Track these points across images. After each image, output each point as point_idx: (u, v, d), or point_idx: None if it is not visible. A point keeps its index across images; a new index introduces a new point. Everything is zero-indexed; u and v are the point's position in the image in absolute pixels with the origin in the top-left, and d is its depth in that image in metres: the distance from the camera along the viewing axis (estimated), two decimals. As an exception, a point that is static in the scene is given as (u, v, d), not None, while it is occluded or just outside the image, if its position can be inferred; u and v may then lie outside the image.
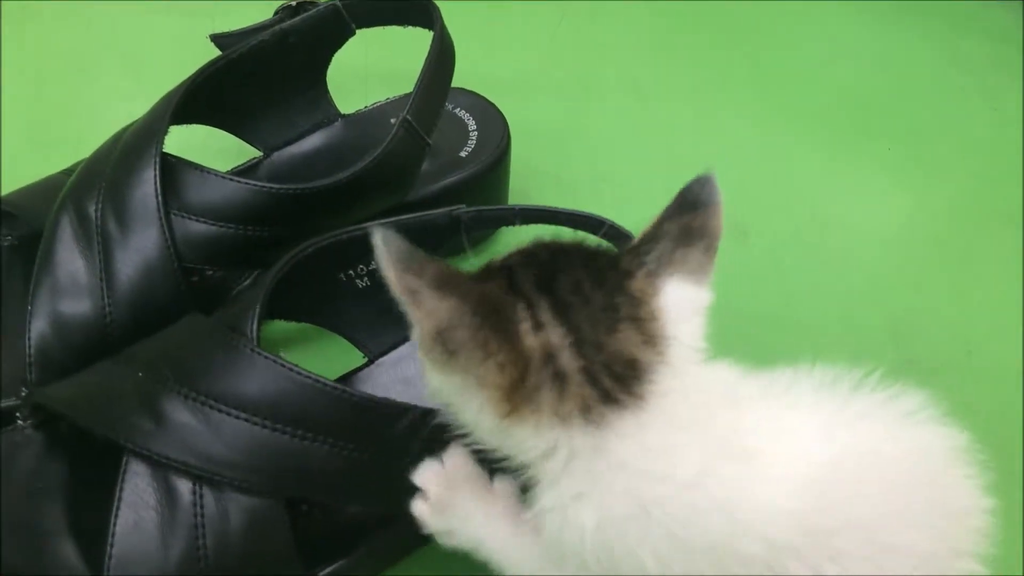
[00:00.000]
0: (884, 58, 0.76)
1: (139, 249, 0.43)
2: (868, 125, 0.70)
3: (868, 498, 0.28)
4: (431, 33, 0.48)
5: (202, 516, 0.34)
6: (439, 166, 0.54)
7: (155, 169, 0.43)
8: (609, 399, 0.27)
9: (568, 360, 0.27)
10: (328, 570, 0.38)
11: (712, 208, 0.31)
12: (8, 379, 0.41)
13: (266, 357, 0.36)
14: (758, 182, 0.64)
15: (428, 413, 0.33)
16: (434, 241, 0.45)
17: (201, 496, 0.35)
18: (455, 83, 0.51)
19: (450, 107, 0.57)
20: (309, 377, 0.35)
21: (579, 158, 0.64)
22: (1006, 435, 0.51)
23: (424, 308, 0.26)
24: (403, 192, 0.49)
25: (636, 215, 0.63)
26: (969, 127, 0.70)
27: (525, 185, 0.61)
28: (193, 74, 0.47)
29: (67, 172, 0.48)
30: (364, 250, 0.44)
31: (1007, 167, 0.66)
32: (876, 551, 0.27)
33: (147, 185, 0.43)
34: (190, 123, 0.50)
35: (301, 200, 0.44)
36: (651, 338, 0.28)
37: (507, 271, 0.29)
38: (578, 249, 0.30)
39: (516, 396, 0.27)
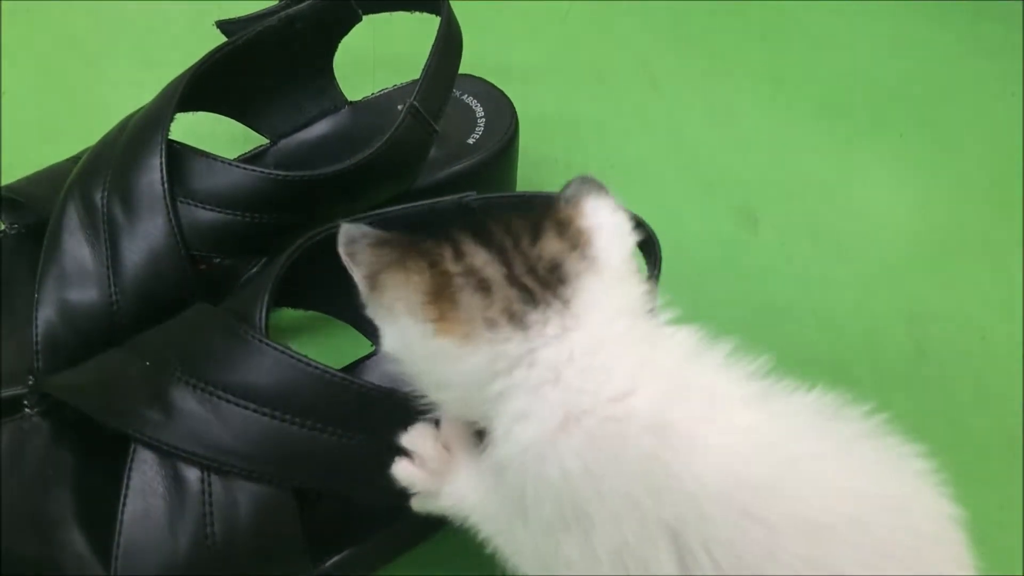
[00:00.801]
0: (899, 44, 0.75)
1: (146, 237, 0.42)
2: (883, 112, 0.69)
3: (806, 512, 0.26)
4: (438, 19, 0.48)
5: (210, 504, 0.34)
6: (447, 153, 0.53)
7: (161, 156, 0.43)
8: (532, 300, 0.28)
9: (493, 271, 0.28)
10: (334, 560, 0.38)
11: (596, 183, 0.33)
12: (16, 367, 0.41)
13: (275, 348, 0.35)
14: (771, 170, 0.64)
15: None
16: (443, 227, 0.45)
17: (209, 484, 0.35)
18: (463, 70, 0.51)
19: (458, 94, 0.57)
20: (318, 368, 0.35)
21: (589, 146, 0.64)
22: (1015, 420, 0.51)
23: (358, 261, 0.30)
24: (411, 179, 0.49)
25: (648, 203, 0.63)
26: (985, 113, 0.69)
27: (534, 173, 0.61)
28: (198, 61, 0.47)
29: (73, 160, 0.48)
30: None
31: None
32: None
33: (153, 172, 0.43)
34: (196, 110, 0.49)
35: (308, 187, 0.44)
36: (576, 245, 0.29)
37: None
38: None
39: (441, 301, 0.28)
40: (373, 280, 0.30)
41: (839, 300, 0.56)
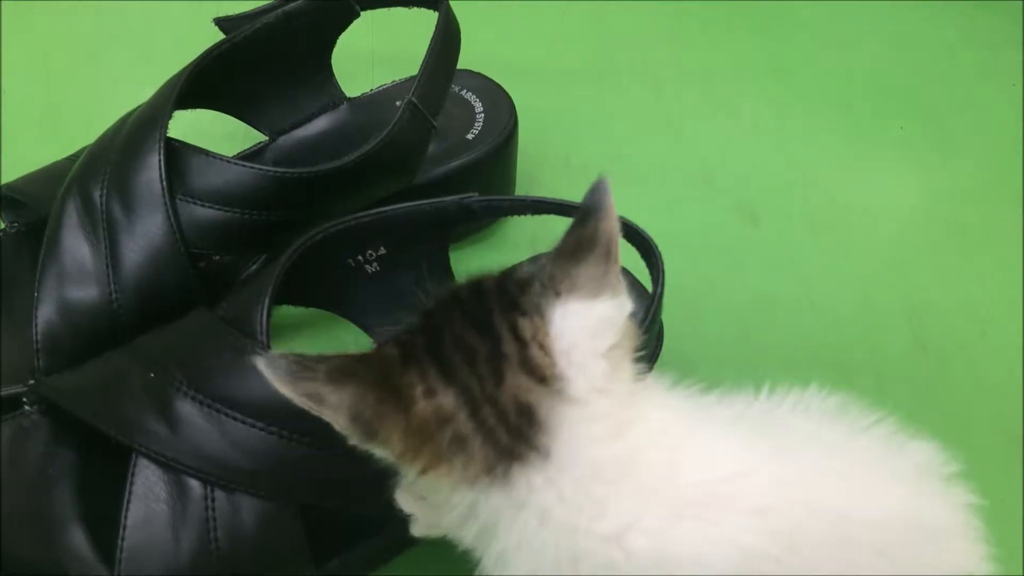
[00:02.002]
0: (900, 37, 0.74)
1: (145, 234, 0.42)
2: (884, 106, 0.69)
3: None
4: (436, 15, 0.48)
5: (213, 510, 0.34)
6: (446, 148, 0.53)
7: (159, 154, 0.43)
8: (510, 455, 0.26)
9: (463, 423, 0.26)
10: (337, 560, 0.38)
11: (600, 213, 0.29)
12: (16, 365, 0.41)
13: None
14: (772, 165, 0.63)
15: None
16: (444, 227, 0.45)
17: (212, 490, 0.34)
18: (462, 65, 0.51)
19: (456, 89, 0.57)
20: None
21: (589, 142, 0.64)
22: (1015, 413, 0.50)
23: (329, 405, 0.26)
24: (410, 175, 0.49)
25: (648, 200, 0.63)
26: (986, 106, 0.69)
27: (534, 168, 0.60)
28: (197, 58, 0.47)
29: (72, 158, 0.48)
30: (372, 235, 0.44)
31: (1024, 146, 0.66)
32: None
33: (152, 170, 0.43)
34: (195, 107, 0.49)
35: (307, 184, 0.44)
36: (545, 377, 0.26)
37: (399, 342, 0.28)
38: (475, 294, 0.29)
39: (424, 454, 0.26)
40: (368, 431, 0.26)
41: (840, 294, 0.56)
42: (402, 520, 0.33)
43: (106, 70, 0.66)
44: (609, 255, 0.29)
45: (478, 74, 0.58)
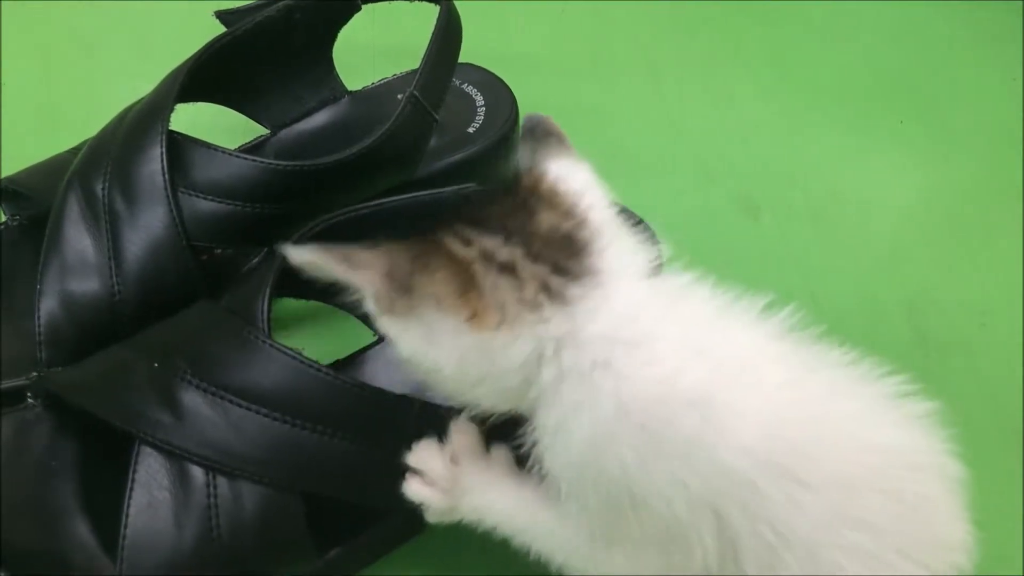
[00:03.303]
0: (900, 31, 0.74)
1: (147, 227, 0.42)
2: (884, 99, 0.69)
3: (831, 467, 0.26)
4: (438, 8, 0.48)
5: (215, 498, 0.34)
6: (447, 142, 0.53)
7: (162, 147, 0.43)
8: (562, 271, 0.26)
9: (508, 252, 0.27)
10: (335, 551, 0.38)
11: (542, 124, 0.32)
12: (18, 358, 0.41)
13: (284, 352, 0.35)
14: (772, 157, 0.64)
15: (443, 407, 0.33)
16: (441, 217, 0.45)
17: (214, 478, 0.35)
18: (463, 59, 0.51)
19: (458, 83, 0.57)
20: (328, 373, 0.35)
21: (590, 134, 0.63)
22: (1015, 407, 0.51)
23: (362, 264, 0.27)
24: (411, 168, 0.49)
25: (648, 191, 0.63)
26: (986, 99, 0.69)
27: (534, 162, 0.60)
28: (198, 51, 0.46)
29: (74, 151, 0.48)
30: (371, 226, 0.44)
31: None
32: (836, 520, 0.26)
33: (154, 163, 0.43)
34: (196, 101, 0.49)
35: (308, 177, 0.44)
36: (570, 213, 0.28)
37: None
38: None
39: (472, 296, 0.26)
40: (404, 283, 0.27)
41: (839, 287, 0.56)
42: (406, 509, 0.33)
43: (105, 65, 0.66)
44: (565, 142, 0.32)
45: (479, 67, 0.58)
